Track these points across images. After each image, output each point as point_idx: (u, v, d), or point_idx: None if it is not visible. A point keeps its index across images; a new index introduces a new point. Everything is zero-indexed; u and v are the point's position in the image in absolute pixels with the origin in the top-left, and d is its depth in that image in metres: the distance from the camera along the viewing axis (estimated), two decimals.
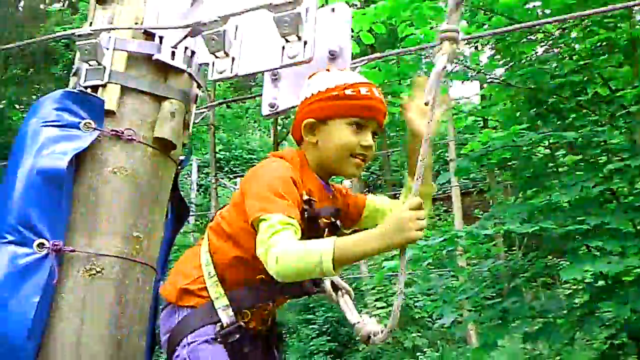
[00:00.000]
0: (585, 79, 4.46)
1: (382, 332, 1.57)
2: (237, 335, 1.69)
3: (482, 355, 5.29)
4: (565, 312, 4.92)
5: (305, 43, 1.75)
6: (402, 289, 1.46)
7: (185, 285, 1.74)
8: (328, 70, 1.79)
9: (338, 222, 1.78)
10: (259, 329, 1.81)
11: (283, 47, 1.79)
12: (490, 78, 4.73)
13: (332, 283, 1.79)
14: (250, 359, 1.77)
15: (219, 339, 1.67)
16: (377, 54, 4.21)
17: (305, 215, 1.64)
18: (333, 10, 1.97)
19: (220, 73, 1.87)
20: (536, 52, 5.54)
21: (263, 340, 1.86)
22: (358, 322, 1.65)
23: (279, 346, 1.91)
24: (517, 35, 5.18)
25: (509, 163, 5.38)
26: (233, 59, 1.86)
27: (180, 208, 2.30)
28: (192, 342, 1.66)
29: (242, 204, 1.69)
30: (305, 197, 1.67)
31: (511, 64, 5.27)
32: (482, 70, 5.03)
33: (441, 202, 18.57)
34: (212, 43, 1.81)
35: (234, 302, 1.70)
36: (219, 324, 1.68)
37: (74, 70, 2.23)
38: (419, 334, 11.58)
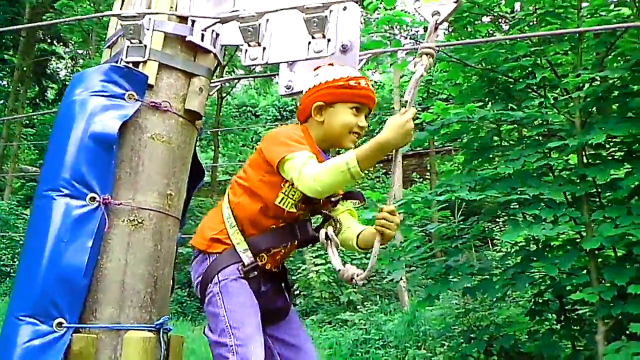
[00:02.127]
0: (535, 63, 4.94)
1: (362, 273, 2.00)
2: (256, 272, 2.11)
3: (424, 306, 5.87)
4: (500, 271, 5.53)
5: (329, 40, 2.11)
6: (395, 194, 1.97)
7: (212, 235, 2.14)
8: (331, 64, 2.19)
9: None
10: (273, 270, 2.24)
11: (309, 42, 2.14)
12: (451, 59, 5.14)
13: (326, 234, 2.15)
14: (266, 296, 2.19)
15: (242, 275, 2.08)
16: (380, 49, 4.56)
17: None
18: (345, 8, 2.30)
19: (253, 60, 2.20)
20: (490, 33, 6.01)
21: (275, 281, 2.28)
22: (340, 269, 2.04)
23: (287, 286, 2.34)
24: (473, 16, 5.64)
25: (459, 136, 5.90)
26: (264, 48, 2.20)
27: (198, 170, 2.63)
28: (222, 280, 2.07)
29: (258, 161, 2.13)
30: None
31: (464, 41, 5.70)
32: (440, 49, 5.44)
33: (381, 165, 19.20)
34: (247, 34, 2.14)
35: (252, 246, 2.12)
36: (240, 264, 2.09)
37: (108, 43, 2.51)
38: (355, 290, 12.18)
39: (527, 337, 5.88)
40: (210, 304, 2.08)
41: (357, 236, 2.20)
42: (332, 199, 2.24)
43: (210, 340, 2.05)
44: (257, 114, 30.56)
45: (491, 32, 5.81)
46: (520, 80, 5.07)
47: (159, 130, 2.28)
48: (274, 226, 2.15)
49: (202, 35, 2.37)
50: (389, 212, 1.97)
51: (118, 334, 2.08)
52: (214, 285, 2.08)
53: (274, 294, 2.25)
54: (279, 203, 2.10)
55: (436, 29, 1.97)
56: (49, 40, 23.01)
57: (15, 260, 13.94)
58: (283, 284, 2.33)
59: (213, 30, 2.40)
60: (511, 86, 5.21)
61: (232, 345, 1.95)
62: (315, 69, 2.21)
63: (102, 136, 2.13)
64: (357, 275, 1.99)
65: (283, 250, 2.23)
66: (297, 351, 2.25)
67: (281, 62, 2.26)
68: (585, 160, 4.90)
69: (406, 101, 1.97)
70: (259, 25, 2.12)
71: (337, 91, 2.11)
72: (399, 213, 5.48)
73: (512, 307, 7.46)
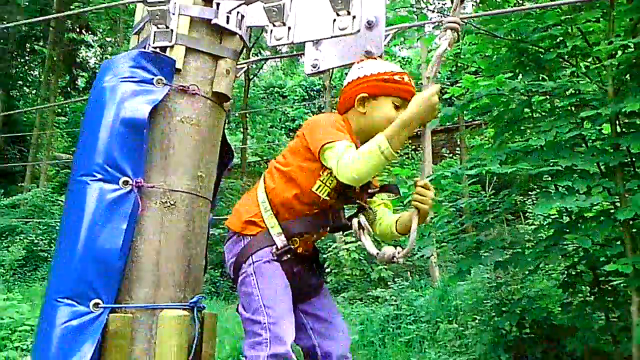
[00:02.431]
0: (565, 32, 4.84)
1: (402, 251, 2.01)
2: (289, 255, 2.16)
3: (456, 281, 5.87)
4: (532, 244, 5.49)
5: (353, 17, 2.11)
6: (426, 170, 2.01)
7: (248, 218, 2.21)
8: (374, 58, 2.21)
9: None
10: (304, 253, 2.28)
11: (334, 20, 2.14)
12: (479, 31, 5.07)
13: (359, 222, 2.19)
14: (299, 276, 2.24)
15: (275, 258, 2.14)
16: (406, 24, 4.51)
17: None
18: None
19: (278, 40, 2.22)
20: (519, 3, 5.89)
21: (307, 262, 2.32)
22: (378, 252, 2.06)
23: (319, 266, 2.39)
24: None
25: (489, 109, 5.82)
26: (289, 28, 2.21)
27: (227, 151, 2.66)
28: (256, 261, 2.14)
29: (298, 147, 2.17)
30: None
31: (493, 12, 5.60)
32: (468, 22, 5.36)
33: (409, 141, 19.12)
34: (272, 14, 2.14)
35: (285, 229, 2.17)
36: (274, 247, 2.15)
37: (135, 30, 2.54)
38: (385, 267, 12.20)
39: (560, 309, 5.84)
40: (243, 284, 2.14)
41: (396, 222, 2.24)
42: (369, 191, 2.27)
43: (243, 317, 2.12)
44: (284, 94, 30.58)
45: (520, 1, 5.69)
46: (551, 50, 4.96)
47: (188, 113, 2.31)
48: (308, 212, 2.19)
49: (227, 17, 2.38)
50: (422, 186, 2.01)
51: (153, 313, 2.14)
52: (248, 266, 2.15)
53: (305, 274, 2.29)
54: (316, 190, 2.14)
55: (462, 1, 1.96)
56: (77, 30, 23.29)
57: (51, 245, 14.29)
58: (314, 264, 2.37)
59: (238, 12, 2.40)
60: (541, 56, 5.10)
61: (265, 323, 2.02)
62: (358, 62, 2.24)
63: (133, 121, 2.16)
64: (398, 253, 2.01)
65: (315, 236, 2.28)
66: (329, 325, 2.31)
67: (307, 41, 2.26)
68: (618, 130, 4.79)
69: (428, 77, 1.98)
70: (283, 4, 2.13)
71: (382, 84, 2.14)
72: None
73: (544, 279, 7.41)
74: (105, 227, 2.10)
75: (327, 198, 2.16)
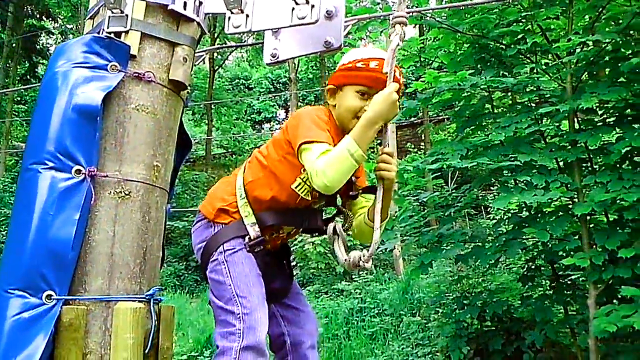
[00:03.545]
0: (525, 28, 4.90)
1: (367, 253, 1.98)
2: (261, 247, 2.15)
3: (418, 274, 5.91)
4: (492, 238, 5.56)
5: (312, 7, 2.08)
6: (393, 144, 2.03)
7: (222, 206, 2.20)
8: (365, 45, 2.17)
9: (352, 178, 2.16)
10: (275, 249, 2.31)
11: (293, 9, 2.11)
12: (442, 25, 5.10)
13: (334, 229, 2.15)
14: (270, 266, 2.26)
15: (247, 248, 2.13)
16: (365, 15, 4.50)
17: None
18: None
19: (236, 27, 2.17)
20: None
21: (277, 255, 2.35)
22: (345, 259, 2.03)
23: (288, 259, 2.42)
24: None
25: (451, 104, 5.88)
26: (247, 15, 2.17)
27: (185, 141, 2.61)
28: (227, 250, 2.12)
29: (281, 140, 2.14)
30: None
31: (456, 4, 5.64)
32: (432, 16, 5.40)
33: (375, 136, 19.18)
34: (229, 1, 2.10)
35: (260, 220, 2.15)
36: (247, 237, 2.13)
37: (89, 14, 2.47)
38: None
39: (519, 302, 5.94)
40: (214, 272, 2.13)
41: (367, 211, 2.18)
42: (351, 193, 2.23)
43: (215, 305, 2.11)
44: (250, 86, 30.42)
45: None
46: (512, 46, 5.03)
47: (143, 101, 2.25)
48: (283, 207, 2.17)
49: (185, 3, 2.32)
50: (387, 153, 2.00)
51: (108, 305, 2.08)
52: (219, 254, 2.13)
53: (275, 271, 2.31)
54: (295, 187, 2.12)
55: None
56: (37, 16, 22.72)
57: None
58: (285, 262, 2.39)
59: None
60: (502, 52, 5.18)
61: (239, 313, 2.01)
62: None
63: (85, 108, 2.10)
64: (364, 257, 1.98)
65: (285, 235, 2.28)
66: (298, 313, 2.33)
67: (265, 30, 2.23)
68: (576, 126, 4.89)
69: (386, 72, 1.97)
70: None
71: (345, 73, 2.10)
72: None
73: (505, 273, 7.54)
74: (57, 216, 2.04)
75: (308, 197, 2.14)
